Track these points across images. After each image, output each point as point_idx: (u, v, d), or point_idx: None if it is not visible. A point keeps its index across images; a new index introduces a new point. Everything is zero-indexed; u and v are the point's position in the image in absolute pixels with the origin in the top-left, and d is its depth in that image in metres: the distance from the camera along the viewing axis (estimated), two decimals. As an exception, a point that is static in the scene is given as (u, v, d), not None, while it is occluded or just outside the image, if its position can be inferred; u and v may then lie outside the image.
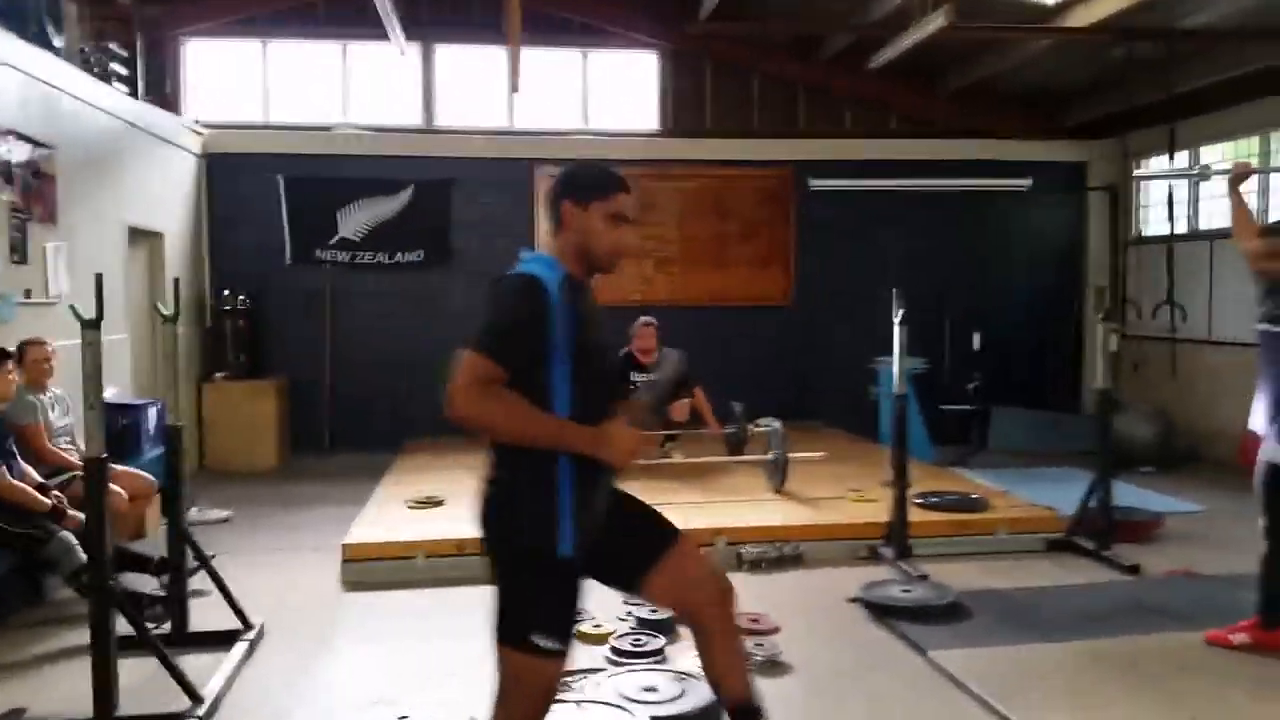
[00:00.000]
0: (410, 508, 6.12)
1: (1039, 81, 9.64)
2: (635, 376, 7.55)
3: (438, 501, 6.20)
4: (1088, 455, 8.91)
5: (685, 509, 5.99)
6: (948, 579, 5.02)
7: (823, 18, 9.06)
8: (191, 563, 4.45)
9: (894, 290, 5.38)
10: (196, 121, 8.98)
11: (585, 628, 4.35)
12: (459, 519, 5.82)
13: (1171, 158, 8.48)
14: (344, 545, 5.30)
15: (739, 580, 5.23)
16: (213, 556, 4.76)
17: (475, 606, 5.04)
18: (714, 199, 9.56)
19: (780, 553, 5.41)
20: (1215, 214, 8.82)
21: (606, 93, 9.74)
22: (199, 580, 4.55)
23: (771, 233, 9.65)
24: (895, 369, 5.30)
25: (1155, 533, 6.07)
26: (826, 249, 9.66)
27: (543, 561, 2.44)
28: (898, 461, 5.30)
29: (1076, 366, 10.17)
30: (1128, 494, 7.28)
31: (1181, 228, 9.16)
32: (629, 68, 9.77)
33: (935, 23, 7.01)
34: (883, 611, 4.55)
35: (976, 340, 9.13)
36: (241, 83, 9.38)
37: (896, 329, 5.24)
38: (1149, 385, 9.22)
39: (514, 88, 7.56)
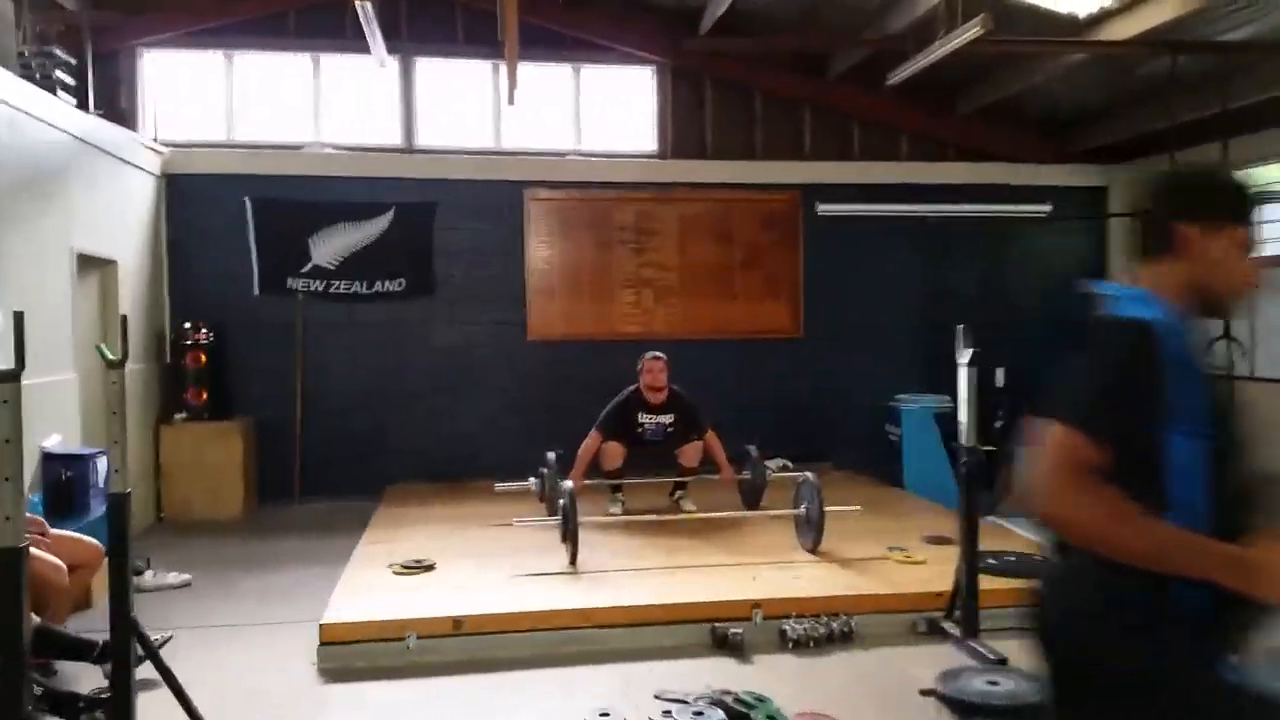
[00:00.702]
0: (396, 574, 5.37)
1: (1057, 103, 9.10)
2: (643, 419, 6.88)
3: (428, 566, 5.45)
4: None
5: (711, 574, 5.32)
6: (1027, 661, 4.34)
7: (830, 32, 8.48)
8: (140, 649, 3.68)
9: (960, 327, 4.73)
10: (155, 139, 8.22)
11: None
12: (454, 586, 5.11)
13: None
14: (321, 625, 4.53)
15: (784, 663, 4.57)
16: (165, 640, 4.03)
17: (477, 698, 4.33)
18: (716, 224, 8.92)
19: (829, 629, 4.70)
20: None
21: (600, 111, 9.07)
22: (150, 665, 3.77)
23: (778, 260, 9.02)
24: (963, 417, 4.61)
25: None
26: (837, 278, 9.03)
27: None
28: (968, 527, 4.61)
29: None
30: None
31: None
32: (624, 85, 9.12)
33: (970, 32, 6.42)
34: (968, 710, 3.85)
35: (1000, 376, 8.50)
36: (205, 97, 8.61)
37: (963, 371, 4.57)
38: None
39: (509, 99, 6.86)
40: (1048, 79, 8.21)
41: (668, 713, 3.80)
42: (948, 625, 4.80)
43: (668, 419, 6.90)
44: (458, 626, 4.56)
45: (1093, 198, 9.56)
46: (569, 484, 5.63)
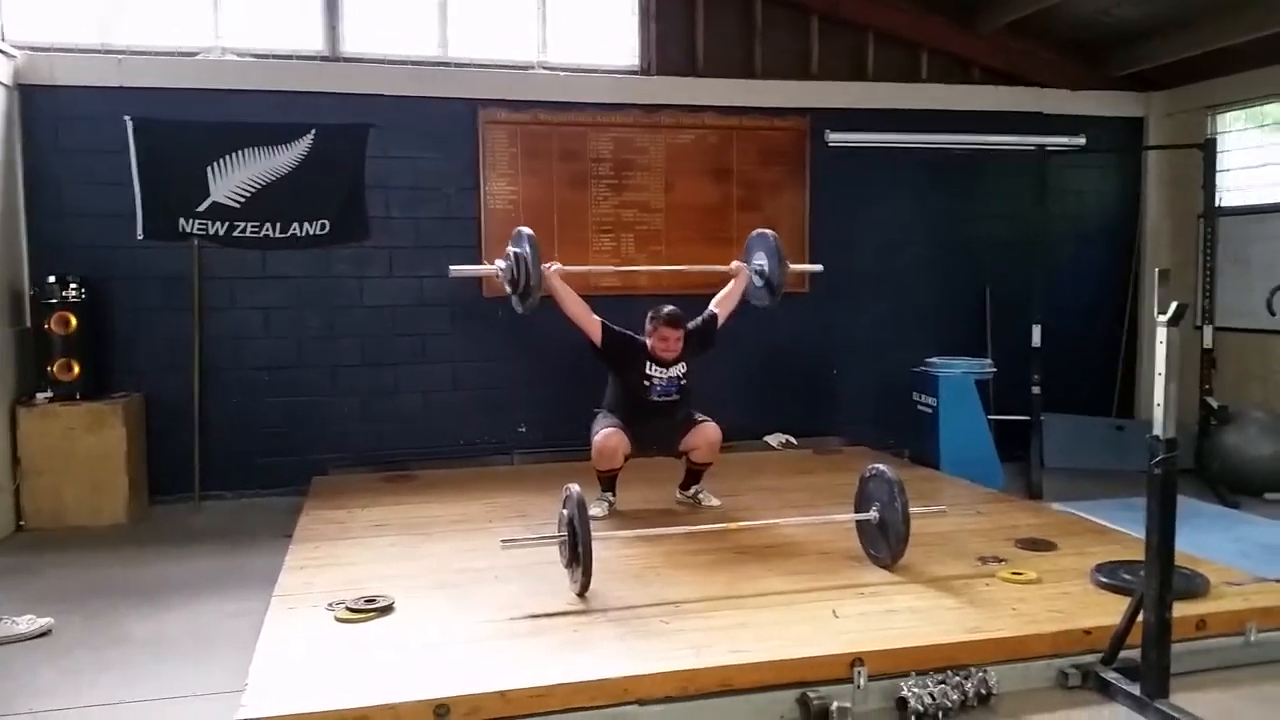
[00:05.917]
0: (340, 620, 3.86)
1: (1092, 19, 7.81)
2: (652, 371, 5.47)
3: (384, 607, 3.95)
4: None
5: (773, 608, 3.96)
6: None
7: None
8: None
9: (1157, 270, 3.36)
10: (3, 39, 6.42)
11: None
12: (427, 642, 3.62)
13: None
14: (238, 723, 3.02)
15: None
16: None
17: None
18: (708, 157, 7.48)
19: (962, 691, 3.37)
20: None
21: (571, 14, 7.47)
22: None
23: (780, 201, 7.61)
24: (1160, 396, 3.22)
25: None
26: (849, 222, 7.68)
27: None
28: (1161, 551, 3.27)
29: (1130, 364, 8.49)
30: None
31: (1255, 198, 7.72)
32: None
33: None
34: None
35: (1036, 334, 7.28)
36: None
37: (1162, 331, 3.19)
38: (1231, 386, 7.61)
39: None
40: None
41: None
42: (1112, 677, 3.51)
43: (679, 371, 5.50)
44: (442, 715, 3.10)
45: (1126, 129, 8.40)
46: (574, 488, 4.19)
